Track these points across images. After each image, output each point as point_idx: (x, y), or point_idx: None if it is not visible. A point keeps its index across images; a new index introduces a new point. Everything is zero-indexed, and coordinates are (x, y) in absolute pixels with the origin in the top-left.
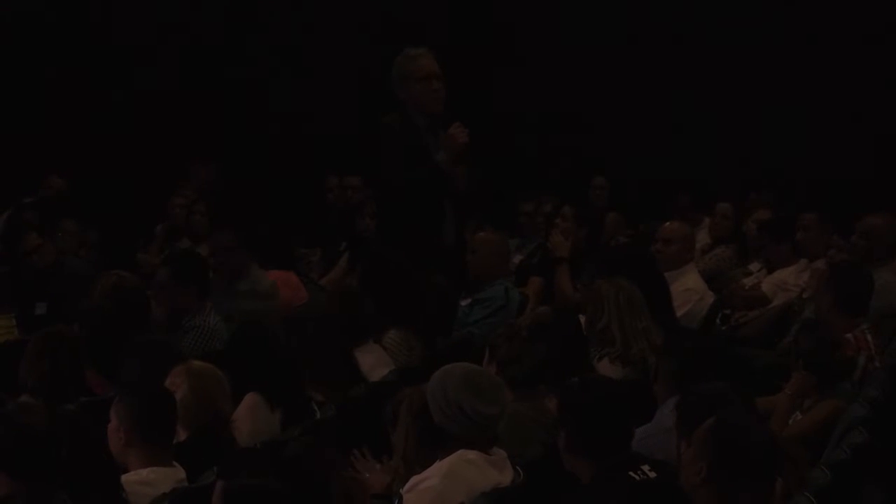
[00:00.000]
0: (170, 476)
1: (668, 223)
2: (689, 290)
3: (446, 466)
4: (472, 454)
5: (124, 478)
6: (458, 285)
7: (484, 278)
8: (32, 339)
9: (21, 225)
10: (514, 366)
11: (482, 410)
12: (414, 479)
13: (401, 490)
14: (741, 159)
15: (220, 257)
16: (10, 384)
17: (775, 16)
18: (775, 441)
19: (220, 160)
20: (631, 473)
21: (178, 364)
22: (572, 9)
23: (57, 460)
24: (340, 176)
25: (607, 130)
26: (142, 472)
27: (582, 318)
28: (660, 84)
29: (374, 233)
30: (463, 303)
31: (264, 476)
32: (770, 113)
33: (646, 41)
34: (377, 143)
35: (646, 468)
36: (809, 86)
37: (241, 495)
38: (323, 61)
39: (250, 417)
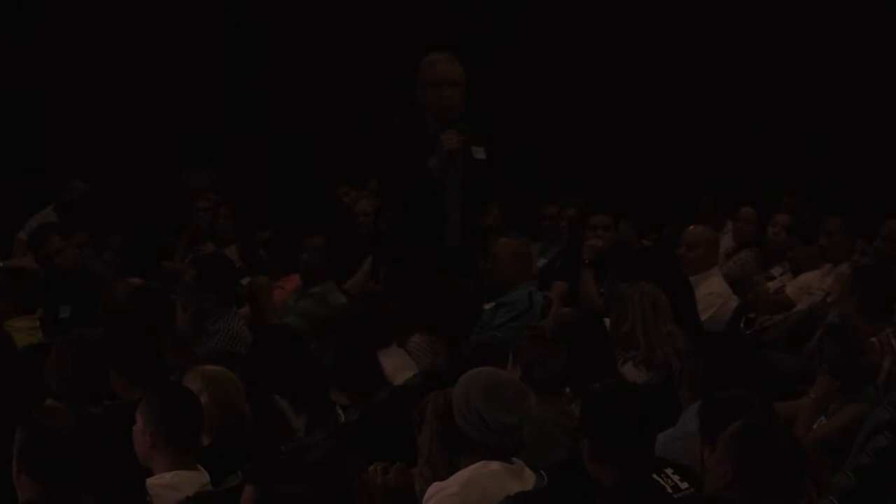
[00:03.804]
0: (194, 479)
1: (692, 227)
2: (713, 293)
3: (466, 475)
4: (495, 465)
5: (149, 481)
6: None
7: (506, 283)
8: (56, 343)
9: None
10: (539, 368)
11: (501, 419)
12: (436, 486)
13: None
14: (766, 163)
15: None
16: (34, 388)
17: (801, 20)
18: (799, 444)
19: (221, 165)
20: (655, 477)
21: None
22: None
23: (82, 464)
24: (349, 182)
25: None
26: (166, 476)
27: (607, 322)
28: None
29: (387, 235)
30: (486, 307)
31: (291, 480)
32: (794, 116)
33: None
34: (383, 144)
35: (669, 471)
36: (834, 88)
37: (275, 502)
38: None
39: None
